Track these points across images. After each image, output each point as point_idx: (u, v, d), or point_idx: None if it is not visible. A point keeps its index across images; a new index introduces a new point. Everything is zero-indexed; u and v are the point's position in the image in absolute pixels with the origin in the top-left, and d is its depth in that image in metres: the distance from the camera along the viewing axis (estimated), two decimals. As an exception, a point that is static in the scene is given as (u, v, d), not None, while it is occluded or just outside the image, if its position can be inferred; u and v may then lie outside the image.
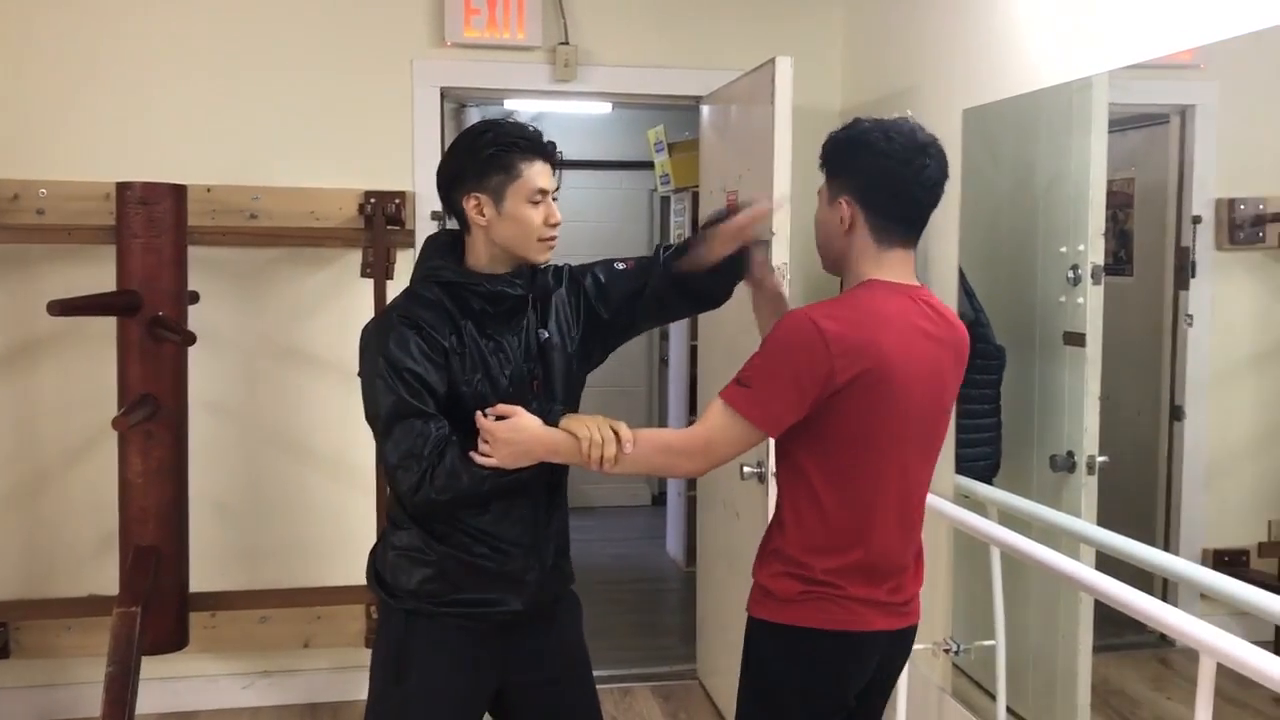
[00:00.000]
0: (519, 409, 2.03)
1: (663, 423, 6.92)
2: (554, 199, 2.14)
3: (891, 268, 2.05)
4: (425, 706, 2.19)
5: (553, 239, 2.14)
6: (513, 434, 2.00)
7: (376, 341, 2.07)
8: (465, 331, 2.10)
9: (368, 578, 2.27)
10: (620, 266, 2.34)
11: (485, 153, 2.07)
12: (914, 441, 2.04)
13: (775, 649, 2.06)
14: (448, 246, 2.18)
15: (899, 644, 2.14)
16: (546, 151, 2.12)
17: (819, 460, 2.00)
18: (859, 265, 2.05)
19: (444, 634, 2.17)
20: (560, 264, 2.32)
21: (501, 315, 2.14)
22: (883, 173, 2.01)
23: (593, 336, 2.29)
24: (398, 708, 2.20)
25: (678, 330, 6.14)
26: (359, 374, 2.11)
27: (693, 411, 5.64)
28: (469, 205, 2.09)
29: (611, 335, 2.33)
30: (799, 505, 2.04)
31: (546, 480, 2.19)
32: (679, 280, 2.27)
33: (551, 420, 2.05)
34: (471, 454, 2.02)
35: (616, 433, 2.00)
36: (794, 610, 2.02)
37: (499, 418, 2.02)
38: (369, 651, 3.79)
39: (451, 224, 2.24)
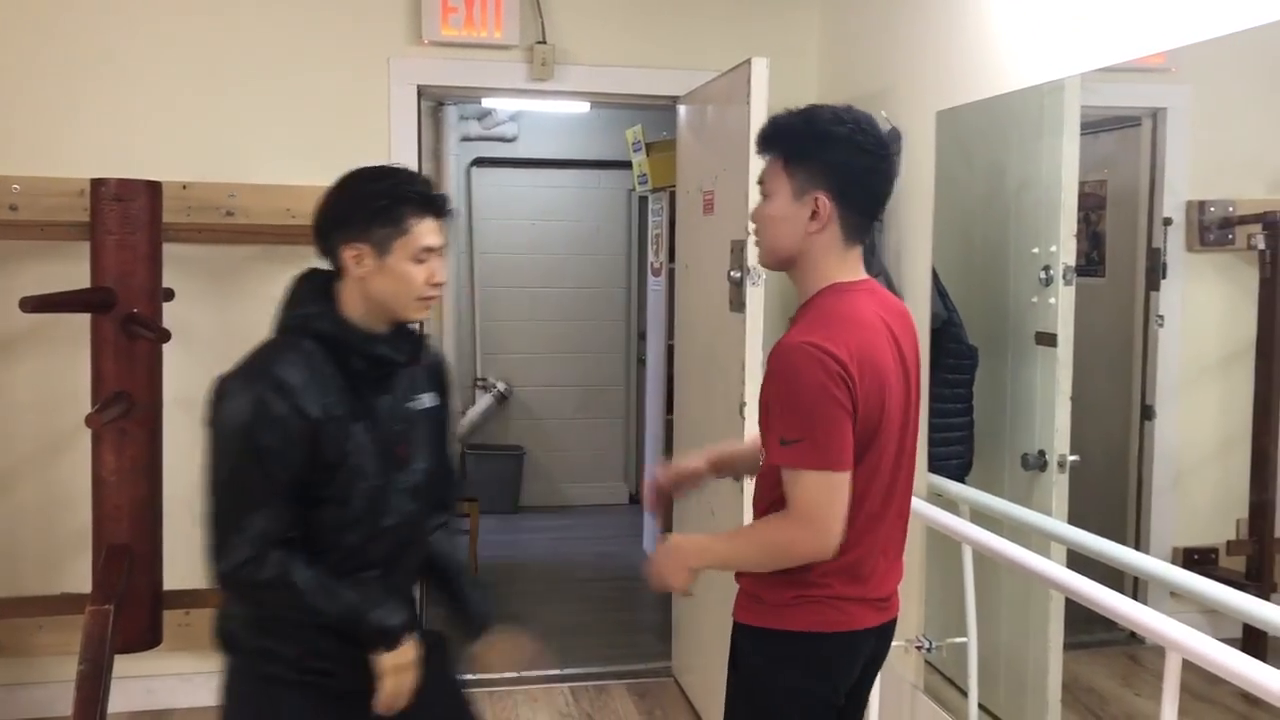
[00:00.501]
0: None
1: (640, 420, 6.93)
2: (441, 256, 2.03)
3: (851, 266, 2.01)
4: None
5: (432, 298, 2.02)
6: (677, 551, 2.08)
7: (236, 404, 1.94)
8: (333, 392, 1.96)
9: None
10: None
11: (376, 204, 1.94)
12: (898, 437, 2.01)
13: (768, 654, 2.02)
14: (322, 290, 2.02)
15: (884, 638, 2.14)
16: (439, 208, 2.01)
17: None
18: (821, 264, 1.98)
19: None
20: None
21: (378, 378, 2.03)
22: (860, 168, 1.95)
23: None
24: None
25: (655, 330, 6.15)
26: (208, 424, 1.99)
27: (669, 411, 5.63)
28: (347, 254, 1.95)
29: None
30: (781, 507, 1.96)
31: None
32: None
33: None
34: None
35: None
36: (786, 615, 1.98)
37: None
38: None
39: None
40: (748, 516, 3.26)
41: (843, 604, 1.98)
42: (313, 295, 2.02)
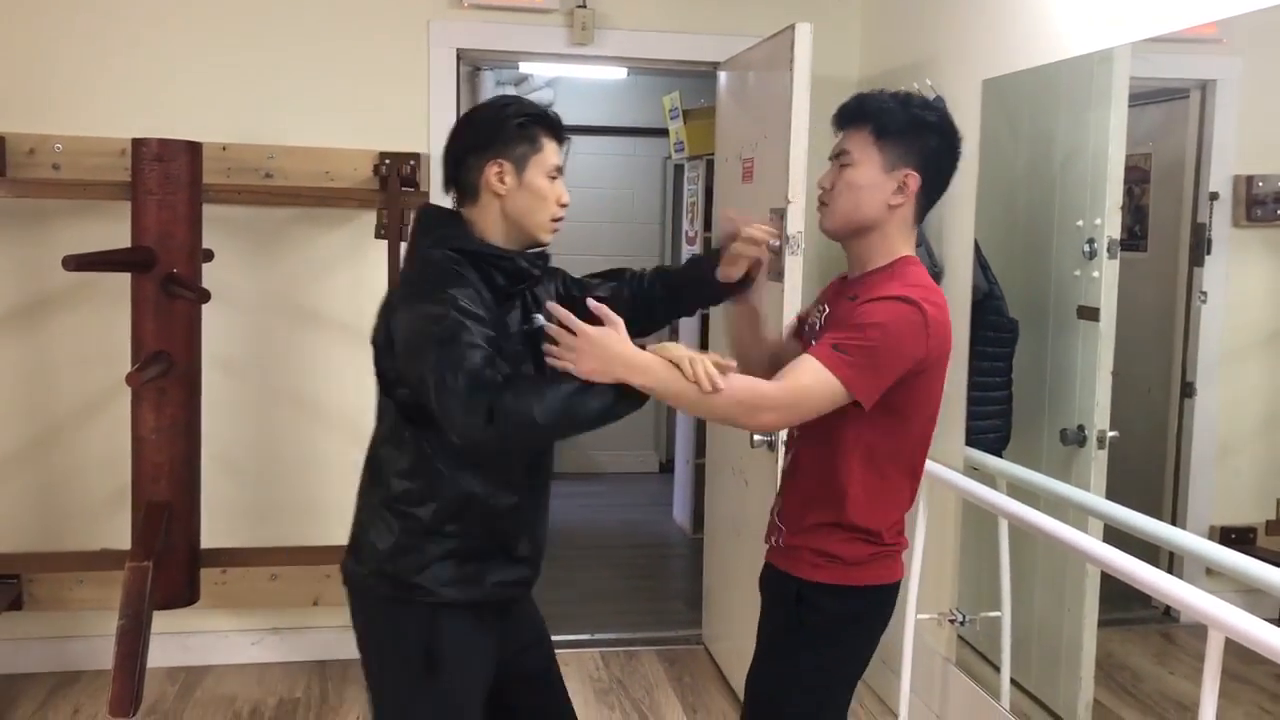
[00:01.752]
0: (614, 318, 1.94)
1: (670, 410, 6.91)
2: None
3: (912, 244, 2.15)
4: (464, 705, 2.13)
5: (561, 220, 2.14)
6: (603, 339, 1.89)
7: (431, 286, 1.96)
8: (481, 304, 2.01)
9: (358, 579, 2.15)
10: (602, 295, 2.29)
11: (514, 122, 2.06)
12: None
13: (844, 609, 2.14)
14: (453, 217, 2.12)
15: None
16: (563, 133, 2.13)
17: (885, 432, 2.07)
18: (893, 237, 2.11)
19: (468, 623, 2.11)
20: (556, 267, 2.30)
21: (513, 294, 2.10)
22: (944, 156, 2.11)
23: None
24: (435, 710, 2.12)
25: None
26: (396, 324, 1.98)
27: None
28: (491, 172, 2.05)
29: None
30: (858, 476, 2.08)
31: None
32: (673, 292, 2.36)
33: None
34: (549, 359, 1.92)
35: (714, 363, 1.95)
36: (862, 571, 2.12)
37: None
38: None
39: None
40: (779, 482, 3.28)
41: (898, 554, 2.18)
42: (449, 220, 2.11)
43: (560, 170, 2.11)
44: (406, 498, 2.09)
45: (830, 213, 2.14)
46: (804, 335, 2.28)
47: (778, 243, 2.27)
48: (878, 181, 2.07)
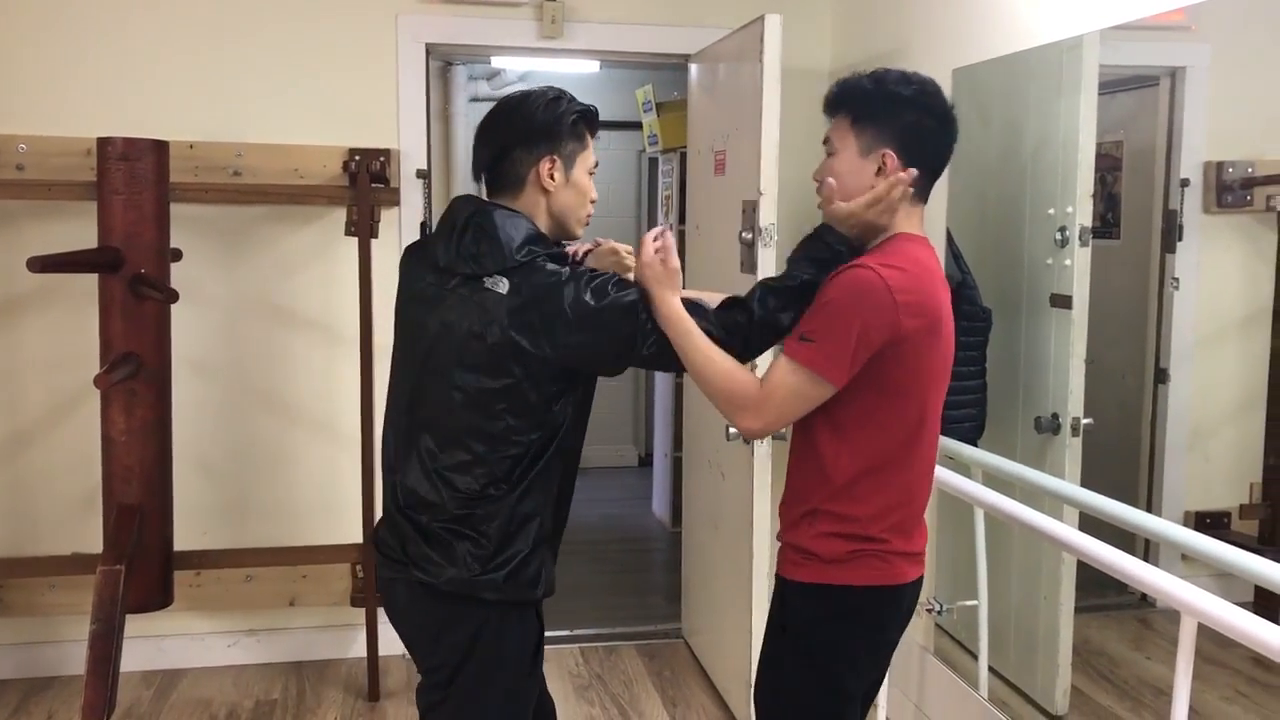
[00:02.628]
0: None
1: (649, 382, 6.92)
2: None
3: (915, 223, 2.08)
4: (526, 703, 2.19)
5: (591, 216, 2.19)
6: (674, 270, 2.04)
7: (571, 287, 1.98)
8: None
9: (466, 590, 2.06)
10: None
11: (568, 119, 2.07)
12: (942, 387, 2.09)
13: (822, 610, 2.06)
14: (518, 215, 2.07)
15: (918, 591, 2.17)
16: (598, 129, 2.17)
17: (865, 412, 2.00)
18: (889, 218, 2.07)
19: (528, 621, 2.15)
20: None
21: None
22: (926, 129, 2.04)
23: None
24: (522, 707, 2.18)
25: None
26: (576, 330, 1.97)
27: (679, 394, 5.62)
28: (544, 167, 2.06)
29: None
30: (840, 460, 2.02)
31: None
32: None
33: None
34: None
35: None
36: (840, 570, 2.03)
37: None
38: (355, 610, 3.87)
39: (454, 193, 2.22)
40: (758, 479, 3.28)
41: (893, 558, 2.05)
42: (515, 221, 2.05)
43: (597, 165, 2.16)
44: (509, 500, 2.05)
45: (824, 204, 2.12)
46: None
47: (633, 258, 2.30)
48: (856, 166, 2.05)
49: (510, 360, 1.98)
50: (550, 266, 2.01)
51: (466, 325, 2.01)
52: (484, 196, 2.14)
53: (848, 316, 1.90)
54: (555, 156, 2.06)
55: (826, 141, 2.12)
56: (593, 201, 2.17)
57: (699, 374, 2.01)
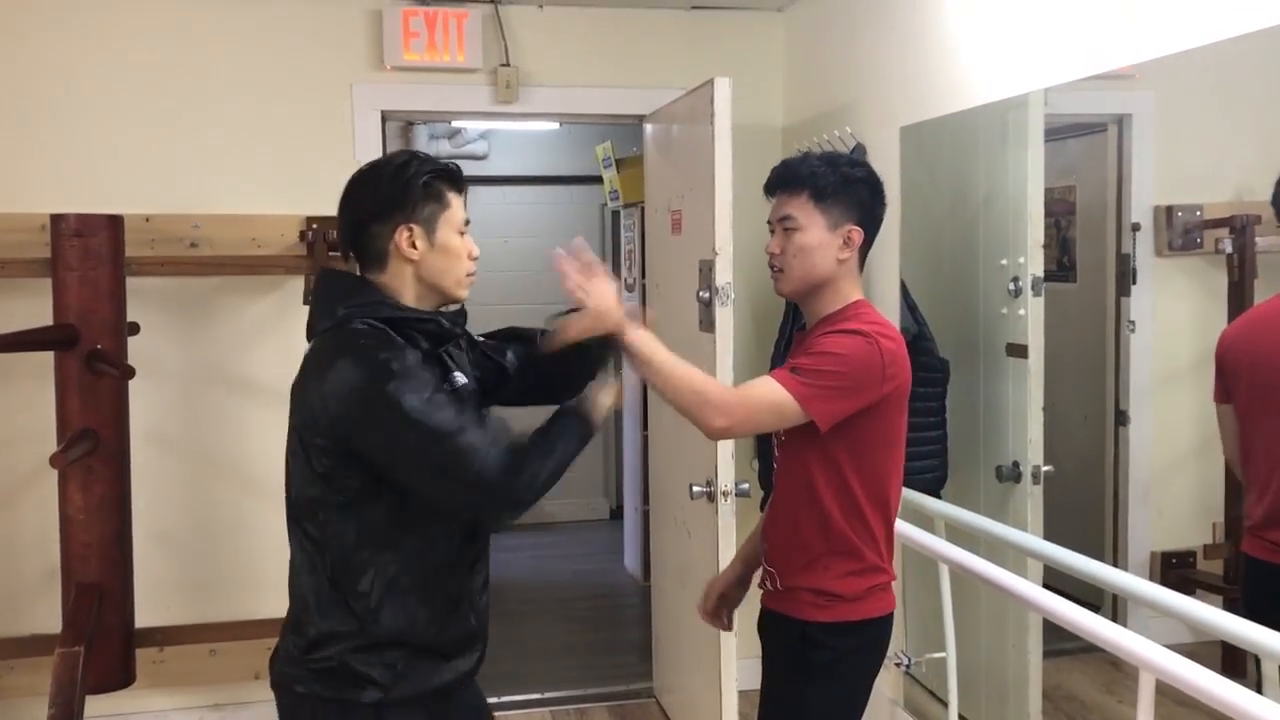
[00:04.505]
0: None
1: (619, 435, 6.91)
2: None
3: (861, 290, 2.28)
4: None
5: (473, 274, 2.06)
6: (609, 288, 2.07)
7: (387, 386, 1.84)
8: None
9: (295, 684, 1.97)
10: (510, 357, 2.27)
11: (418, 182, 1.95)
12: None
13: (850, 645, 2.23)
14: (361, 284, 1.99)
15: None
16: (463, 182, 2.05)
17: (857, 463, 2.18)
18: (843, 286, 2.24)
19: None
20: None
21: (434, 354, 2.00)
22: (876, 204, 2.26)
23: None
24: None
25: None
26: (373, 433, 1.86)
27: (645, 426, 5.61)
28: (401, 238, 1.94)
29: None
30: (844, 505, 2.19)
31: None
32: (535, 363, 2.26)
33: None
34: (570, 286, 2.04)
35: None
36: (862, 606, 2.21)
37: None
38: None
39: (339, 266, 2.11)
40: (723, 537, 3.27)
41: (891, 585, 2.28)
42: (357, 287, 1.98)
43: (468, 223, 2.04)
44: (351, 582, 1.94)
45: (786, 277, 2.25)
46: None
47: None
48: (825, 241, 2.20)
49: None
50: (356, 326, 1.91)
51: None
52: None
53: (848, 374, 2.09)
54: (411, 224, 1.95)
55: (786, 218, 2.23)
56: (474, 259, 2.04)
57: (670, 377, 2.11)
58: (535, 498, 1.92)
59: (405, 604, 1.95)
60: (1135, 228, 2.82)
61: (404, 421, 1.83)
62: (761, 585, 2.37)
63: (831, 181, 2.20)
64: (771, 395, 2.08)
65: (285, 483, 2.01)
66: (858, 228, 2.21)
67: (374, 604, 1.93)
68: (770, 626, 2.36)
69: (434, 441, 1.83)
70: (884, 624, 2.27)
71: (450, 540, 2.00)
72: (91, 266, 3.24)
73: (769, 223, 2.28)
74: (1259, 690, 2.02)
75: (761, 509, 3.78)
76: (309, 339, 2.01)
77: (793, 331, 3.19)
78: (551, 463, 1.93)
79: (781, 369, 2.13)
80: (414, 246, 1.96)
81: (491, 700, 2.35)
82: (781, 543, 2.29)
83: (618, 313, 2.07)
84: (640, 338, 2.10)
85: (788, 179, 2.24)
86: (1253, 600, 2.48)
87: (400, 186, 1.96)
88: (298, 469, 1.96)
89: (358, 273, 2.03)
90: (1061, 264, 3.17)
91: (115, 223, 3.32)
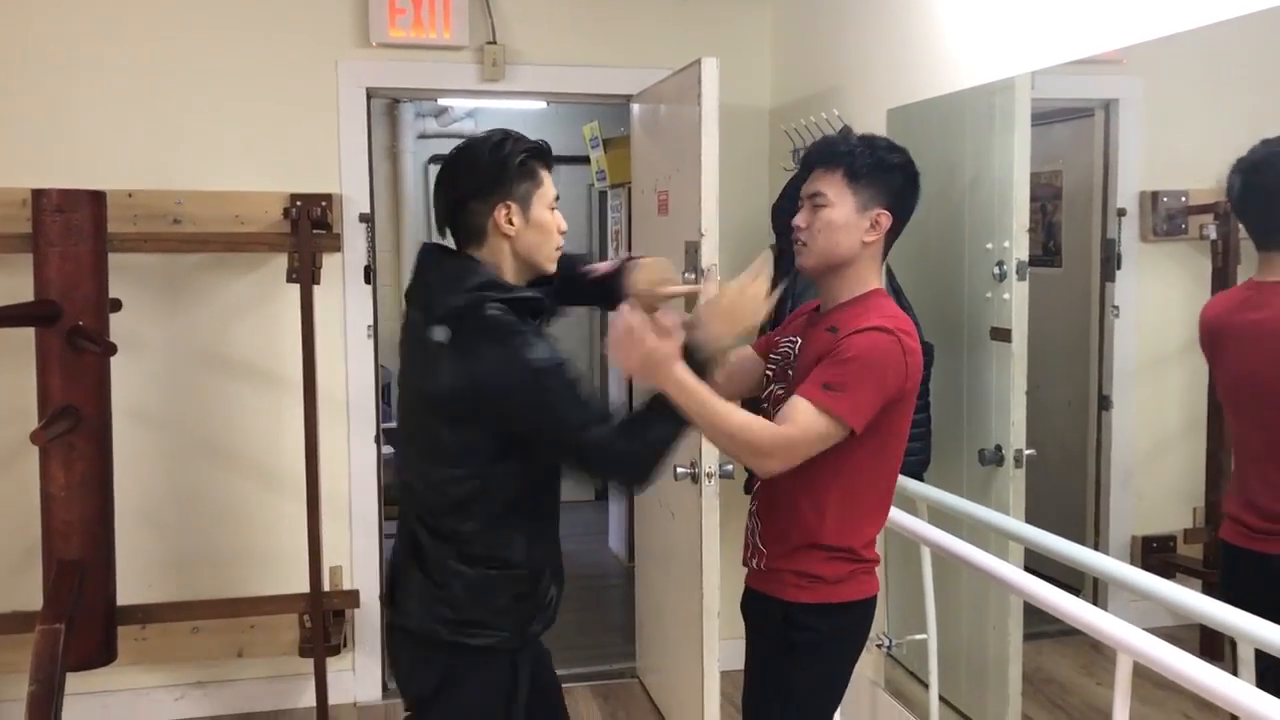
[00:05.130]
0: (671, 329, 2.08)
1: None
2: None
3: (882, 278, 2.32)
4: None
5: (561, 248, 2.20)
6: (654, 349, 2.03)
7: (515, 347, 2.01)
8: None
9: (425, 631, 2.13)
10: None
11: (514, 161, 2.09)
12: None
13: (832, 627, 2.26)
14: (473, 265, 2.12)
15: None
16: (552, 160, 2.19)
17: (867, 457, 2.20)
18: (865, 271, 2.26)
19: (527, 666, 2.20)
20: None
21: (538, 331, 2.14)
22: (909, 193, 2.27)
23: None
24: None
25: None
26: (524, 407, 2.01)
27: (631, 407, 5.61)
28: (500, 215, 2.08)
29: None
30: (837, 499, 2.21)
31: None
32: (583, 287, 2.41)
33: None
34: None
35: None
36: (844, 588, 2.24)
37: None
38: (303, 660, 3.81)
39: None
40: (707, 519, 3.28)
41: (874, 569, 2.30)
42: (471, 267, 2.10)
43: (557, 198, 2.16)
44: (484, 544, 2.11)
45: (809, 251, 2.25)
46: (774, 363, 2.39)
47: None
48: (853, 221, 2.20)
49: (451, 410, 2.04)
50: (491, 313, 2.03)
51: (414, 372, 2.12)
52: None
53: (871, 371, 2.10)
54: (509, 202, 2.08)
55: (817, 194, 2.24)
56: (562, 233, 2.18)
57: (719, 430, 2.09)
58: (654, 465, 2.07)
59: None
60: (1121, 213, 2.82)
61: (550, 395, 2.00)
62: (746, 564, 2.39)
63: (867, 163, 2.21)
64: (816, 425, 2.08)
65: (403, 465, 2.18)
66: (887, 212, 2.22)
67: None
68: (754, 606, 2.39)
69: (574, 405, 2.02)
70: (866, 607, 2.29)
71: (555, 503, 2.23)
72: (73, 242, 3.21)
73: (800, 198, 2.30)
74: (1235, 673, 2.03)
75: (745, 491, 3.79)
76: (422, 312, 2.10)
77: (792, 300, 3.19)
78: (654, 437, 2.06)
79: (812, 385, 2.11)
80: (511, 223, 2.09)
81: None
82: (778, 526, 2.30)
83: (649, 372, 2.05)
84: (677, 385, 2.04)
85: (825, 155, 2.26)
86: (1225, 584, 2.50)
87: (498, 165, 2.09)
88: (429, 446, 2.10)
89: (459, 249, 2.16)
90: (1047, 249, 3.16)
91: (98, 198, 3.29)
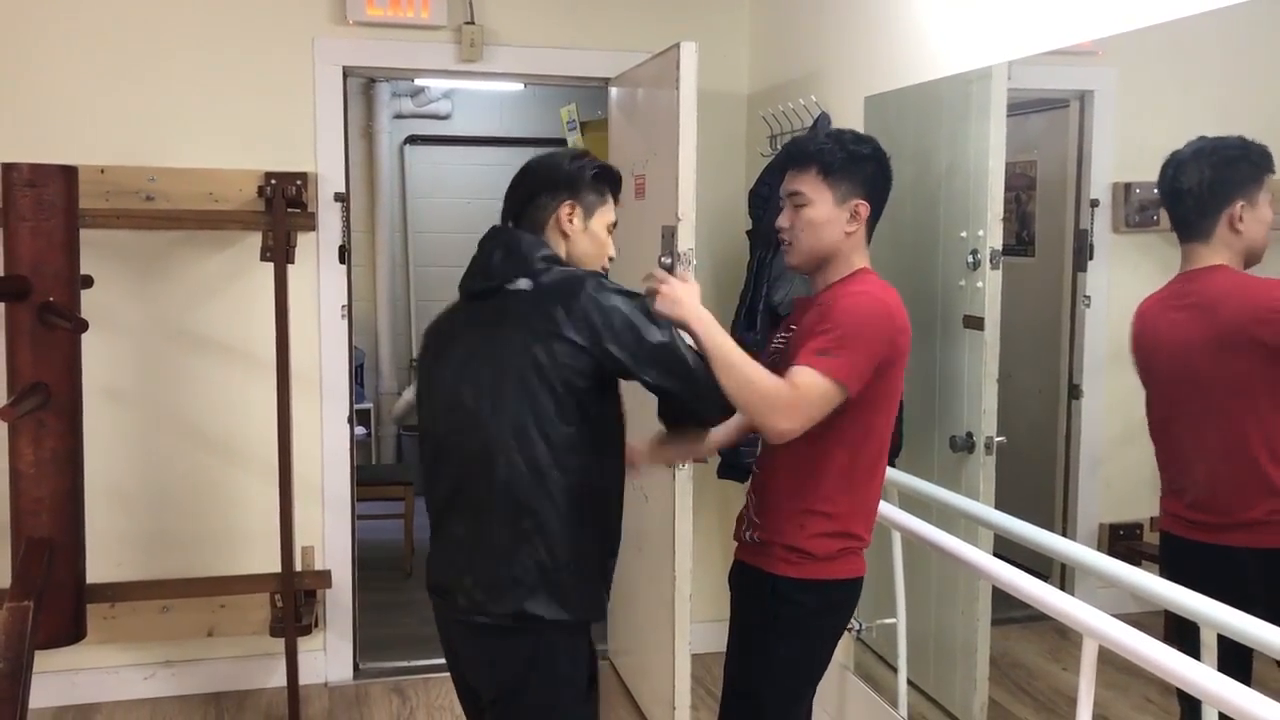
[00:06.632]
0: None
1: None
2: None
3: (868, 259, 2.39)
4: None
5: (607, 271, 2.29)
6: (688, 292, 2.13)
7: (636, 302, 2.11)
8: None
9: (527, 612, 2.13)
10: None
11: (590, 172, 2.24)
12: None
13: (817, 603, 2.32)
14: (541, 241, 2.21)
15: None
16: (620, 190, 2.32)
17: (860, 421, 2.25)
18: (852, 256, 2.34)
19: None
20: None
21: None
22: (882, 179, 2.36)
23: None
24: None
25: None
26: (649, 337, 2.09)
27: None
28: (564, 211, 2.21)
29: None
30: (835, 466, 2.27)
31: None
32: None
33: None
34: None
35: None
36: (832, 566, 2.30)
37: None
38: (274, 640, 3.81)
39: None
40: (679, 502, 3.29)
41: (864, 549, 2.36)
42: (541, 241, 2.21)
43: (615, 224, 2.30)
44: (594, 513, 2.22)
45: (795, 250, 2.35)
46: (774, 354, 2.42)
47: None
48: (833, 215, 2.29)
49: (543, 352, 2.08)
50: (567, 268, 2.17)
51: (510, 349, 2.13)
52: None
53: (861, 334, 2.17)
54: (575, 203, 2.21)
55: (795, 194, 2.32)
56: (610, 259, 2.29)
57: (740, 378, 2.11)
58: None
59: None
60: (1094, 203, 2.83)
61: (667, 330, 2.12)
62: (738, 537, 2.45)
63: (839, 157, 2.29)
64: (819, 387, 2.12)
65: (473, 455, 2.14)
66: (864, 202, 2.30)
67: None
68: (742, 579, 2.44)
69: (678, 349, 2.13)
70: (853, 586, 2.36)
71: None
72: (44, 217, 3.17)
73: (780, 197, 2.38)
74: (1197, 657, 2.06)
75: (719, 475, 3.81)
76: (504, 279, 2.16)
77: (764, 300, 3.21)
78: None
79: (807, 353, 2.16)
80: (572, 222, 2.22)
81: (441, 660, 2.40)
82: (771, 499, 2.36)
83: (685, 308, 2.12)
84: (705, 330, 2.12)
85: (797, 156, 2.35)
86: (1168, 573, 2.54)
87: (575, 170, 2.24)
88: (531, 419, 2.10)
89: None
90: (1020, 238, 3.18)
91: (69, 173, 3.25)
